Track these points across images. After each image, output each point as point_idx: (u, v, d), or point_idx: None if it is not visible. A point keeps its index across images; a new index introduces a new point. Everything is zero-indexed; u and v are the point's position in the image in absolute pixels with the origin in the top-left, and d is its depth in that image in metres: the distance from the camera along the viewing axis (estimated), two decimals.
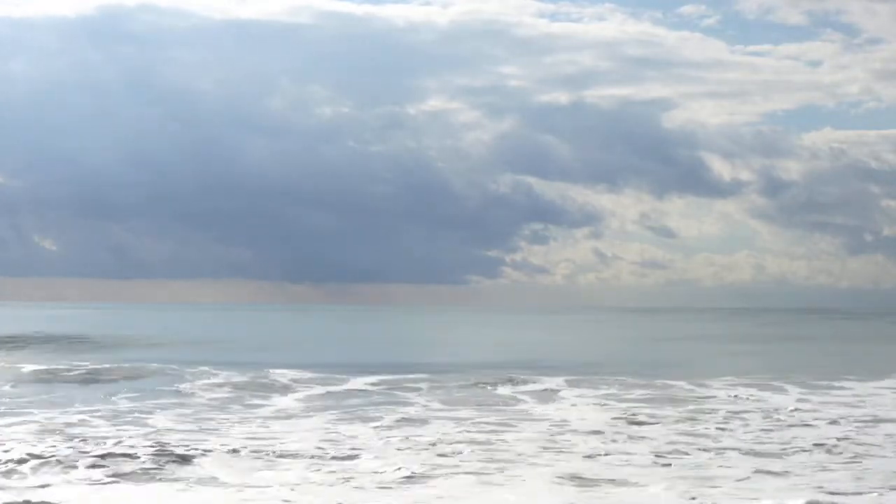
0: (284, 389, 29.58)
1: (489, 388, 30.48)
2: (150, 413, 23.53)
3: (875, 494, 14.58)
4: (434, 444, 18.74)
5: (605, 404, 26.16)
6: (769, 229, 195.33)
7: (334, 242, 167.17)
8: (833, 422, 22.65)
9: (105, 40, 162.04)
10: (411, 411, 24.36)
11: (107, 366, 37.08)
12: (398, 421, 22.42)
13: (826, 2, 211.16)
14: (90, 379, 32.53)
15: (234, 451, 17.73)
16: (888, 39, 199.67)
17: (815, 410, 24.97)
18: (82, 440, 18.71)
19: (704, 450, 18.52)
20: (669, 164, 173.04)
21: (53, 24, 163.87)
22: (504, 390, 29.83)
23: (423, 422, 22.30)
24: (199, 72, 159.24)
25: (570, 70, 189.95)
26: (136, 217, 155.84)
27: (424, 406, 25.60)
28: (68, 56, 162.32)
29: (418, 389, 29.59)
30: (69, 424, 21.21)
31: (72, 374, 34.02)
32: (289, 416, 23.36)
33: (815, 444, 19.22)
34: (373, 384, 31.00)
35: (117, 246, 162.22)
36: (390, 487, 14.90)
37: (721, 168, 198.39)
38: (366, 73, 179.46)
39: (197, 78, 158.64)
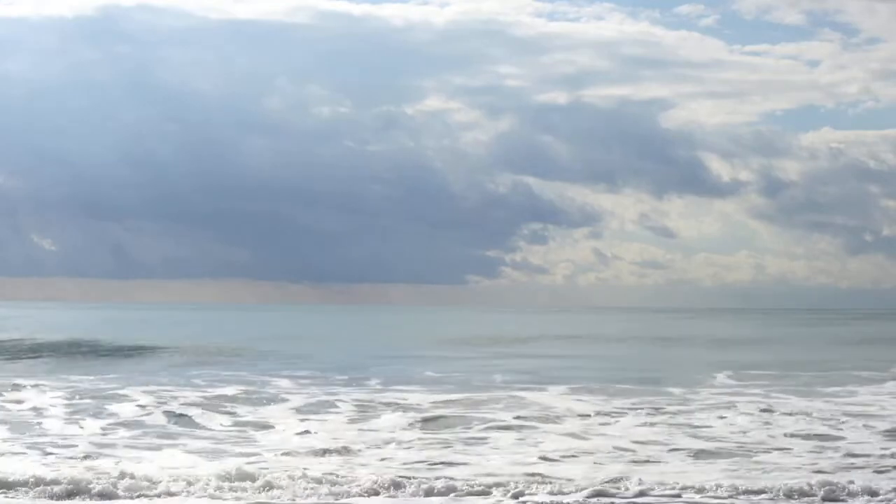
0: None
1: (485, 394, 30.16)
2: None
3: None
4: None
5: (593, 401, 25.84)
6: (769, 229, 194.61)
7: (333, 242, 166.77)
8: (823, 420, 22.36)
9: (102, 40, 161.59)
10: None
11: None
12: None
13: (824, 1, 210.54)
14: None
15: None
16: (886, 39, 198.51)
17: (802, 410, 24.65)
18: None
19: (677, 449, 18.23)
20: (668, 164, 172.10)
21: (50, 23, 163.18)
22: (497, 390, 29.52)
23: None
24: (197, 72, 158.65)
25: (568, 70, 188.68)
26: (135, 217, 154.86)
27: None
28: (66, 56, 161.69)
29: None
30: None
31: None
32: None
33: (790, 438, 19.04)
34: None
35: (117, 246, 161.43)
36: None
37: (720, 168, 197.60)
38: (363, 72, 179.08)
39: (194, 78, 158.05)
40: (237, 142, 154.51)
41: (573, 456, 17.81)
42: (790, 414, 23.80)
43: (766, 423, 22.36)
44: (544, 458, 17.55)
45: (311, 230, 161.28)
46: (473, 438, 19.89)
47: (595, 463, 17.16)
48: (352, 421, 22.62)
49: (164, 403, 25.03)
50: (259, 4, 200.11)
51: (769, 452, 18.28)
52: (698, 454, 18.06)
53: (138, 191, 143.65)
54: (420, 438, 19.82)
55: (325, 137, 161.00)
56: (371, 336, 74.84)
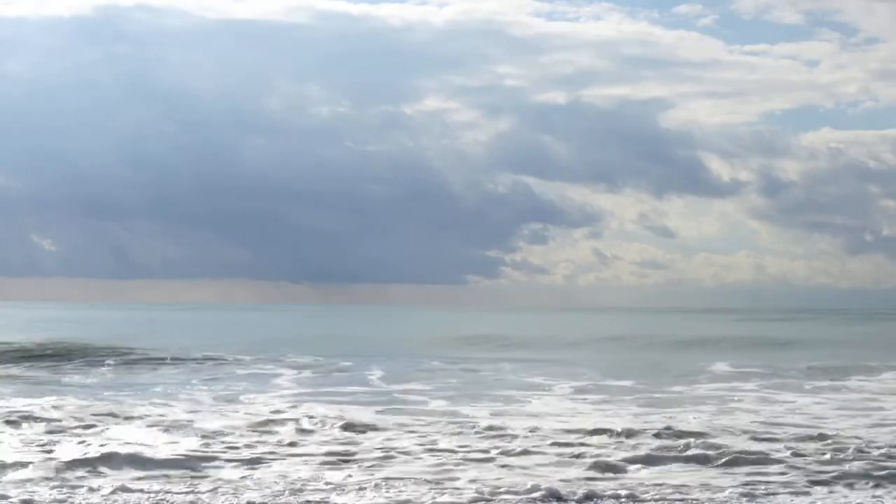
0: None
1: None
2: None
3: None
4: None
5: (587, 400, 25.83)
6: (769, 229, 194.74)
7: (332, 242, 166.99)
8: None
9: (101, 40, 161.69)
10: None
11: None
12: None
13: (823, 1, 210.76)
14: None
15: None
16: (886, 39, 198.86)
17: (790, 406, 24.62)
18: None
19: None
20: (668, 164, 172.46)
21: (49, 23, 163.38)
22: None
23: None
24: (196, 72, 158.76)
25: (567, 70, 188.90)
26: (135, 217, 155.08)
27: None
28: (65, 56, 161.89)
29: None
30: None
31: None
32: None
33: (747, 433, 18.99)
34: None
35: (117, 246, 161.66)
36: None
37: (720, 168, 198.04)
38: (362, 72, 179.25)
39: (194, 78, 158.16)
40: (237, 142, 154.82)
41: (561, 458, 17.75)
42: (786, 414, 23.79)
43: (762, 420, 22.35)
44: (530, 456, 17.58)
45: (311, 230, 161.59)
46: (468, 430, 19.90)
47: (586, 465, 17.12)
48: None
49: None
50: (258, 4, 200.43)
51: (760, 450, 18.22)
52: (689, 452, 17.98)
53: (138, 191, 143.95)
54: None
55: (324, 137, 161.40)
56: (411, 336, 72.63)
